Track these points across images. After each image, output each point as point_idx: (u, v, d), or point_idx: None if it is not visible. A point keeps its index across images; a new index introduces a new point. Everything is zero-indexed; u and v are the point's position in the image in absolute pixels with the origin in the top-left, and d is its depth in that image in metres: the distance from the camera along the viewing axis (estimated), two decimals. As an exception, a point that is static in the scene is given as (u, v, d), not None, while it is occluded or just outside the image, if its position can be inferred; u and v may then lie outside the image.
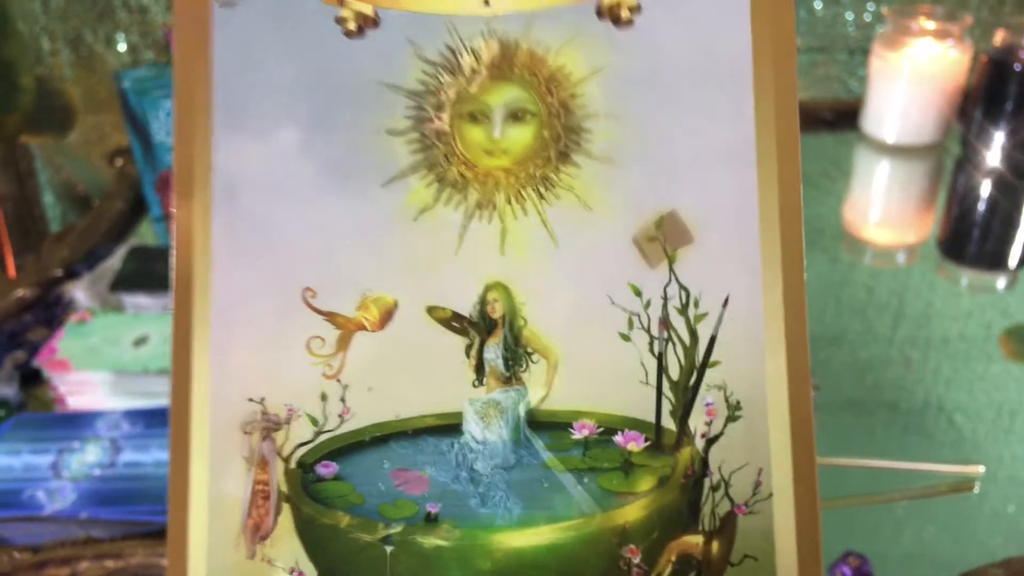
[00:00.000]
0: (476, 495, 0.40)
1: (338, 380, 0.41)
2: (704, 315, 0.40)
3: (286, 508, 0.41)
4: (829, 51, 1.04)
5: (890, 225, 0.92)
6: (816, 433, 0.64)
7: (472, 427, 0.41)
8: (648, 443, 0.40)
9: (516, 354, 0.41)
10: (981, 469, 0.59)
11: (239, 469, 0.41)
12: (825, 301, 0.79)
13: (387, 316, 0.41)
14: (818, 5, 1.01)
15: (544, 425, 0.41)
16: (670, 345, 0.40)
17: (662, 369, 0.40)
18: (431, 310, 0.41)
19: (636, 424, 0.40)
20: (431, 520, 0.40)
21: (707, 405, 0.40)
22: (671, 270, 0.39)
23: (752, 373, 0.39)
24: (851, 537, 0.55)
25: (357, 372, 0.41)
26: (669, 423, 0.40)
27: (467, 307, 0.41)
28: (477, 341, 0.41)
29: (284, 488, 0.41)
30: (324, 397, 0.40)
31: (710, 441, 0.40)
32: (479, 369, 0.41)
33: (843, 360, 0.70)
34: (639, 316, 0.40)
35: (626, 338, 0.40)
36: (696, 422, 0.40)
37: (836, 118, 0.99)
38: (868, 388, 0.68)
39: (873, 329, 0.76)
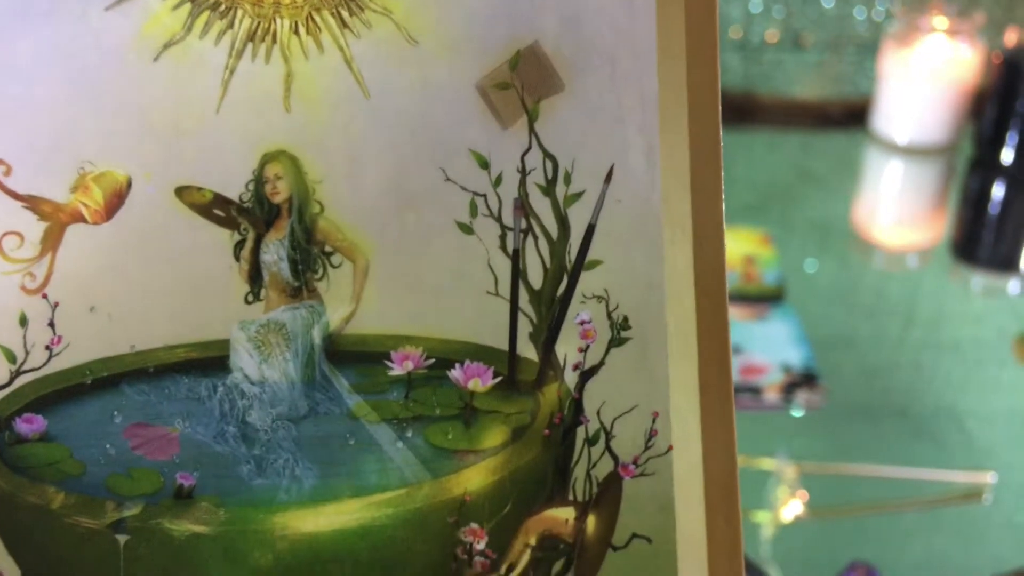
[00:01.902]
0: (249, 459, 0.31)
1: (44, 296, 0.31)
2: (579, 195, 0.30)
3: (-32, 483, 0.30)
4: (839, 49, 1.07)
5: (901, 227, 0.95)
6: (825, 438, 0.63)
7: (244, 361, 0.30)
8: (498, 379, 0.31)
9: (308, 254, 0.30)
10: (992, 478, 0.60)
11: None
12: (834, 304, 0.81)
13: (116, 200, 0.30)
14: (828, 4, 1.04)
15: (350, 356, 0.31)
16: (530, 239, 0.31)
17: (519, 273, 0.31)
18: (182, 192, 0.31)
19: (481, 352, 0.31)
20: (183, 496, 0.31)
21: (581, 324, 0.30)
22: (531, 130, 0.30)
23: (645, 278, 0.30)
24: (860, 546, 0.56)
25: (73, 284, 0.31)
26: (528, 350, 0.31)
27: (236, 187, 0.31)
28: (251, 236, 0.30)
29: (-34, 454, 0.30)
30: (24, 321, 0.31)
31: (586, 374, 0.31)
32: (254, 277, 0.31)
33: (853, 364, 0.72)
34: (485, 197, 0.31)
35: (467, 229, 0.30)
36: (566, 348, 0.31)
37: (846, 117, 1.03)
38: (878, 393, 0.69)
39: (883, 333, 0.76)
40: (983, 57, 0.93)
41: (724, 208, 0.30)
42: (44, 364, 0.31)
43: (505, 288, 0.31)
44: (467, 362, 0.31)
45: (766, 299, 0.80)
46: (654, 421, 0.30)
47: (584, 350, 0.31)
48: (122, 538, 0.31)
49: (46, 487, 0.31)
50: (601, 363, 0.31)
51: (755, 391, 0.69)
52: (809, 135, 1.06)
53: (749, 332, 0.76)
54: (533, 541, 0.30)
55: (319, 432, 0.31)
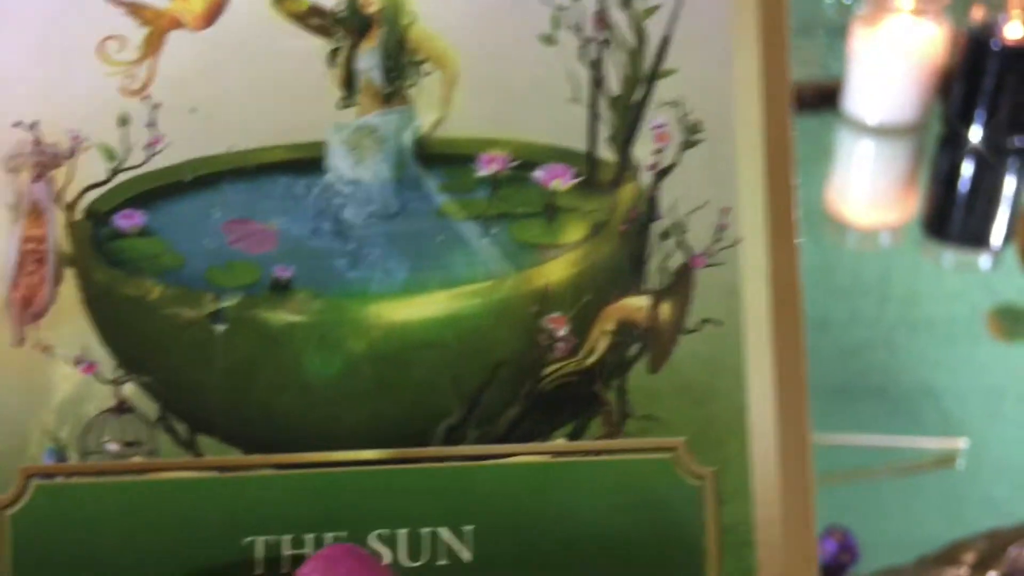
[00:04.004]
0: (344, 253, 0.33)
1: (145, 97, 0.34)
2: (655, 8, 0.34)
3: (69, 275, 0.33)
4: (809, 32, 1.11)
5: (873, 206, 0.99)
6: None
7: (339, 162, 0.33)
8: (579, 179, 0.34)
9: (400, 62, 0.33)
10: (963, 443, 0.63)
11: (0, 221, 0.32)
12: (809, 285, 0.82)
13: (215, 8, 0.34)
14: (797, -14, 1.07)
15: (439, 159, 0.34)
16: (608, 49, 0.34)
17: (598, 81, 0.34)
18: (280, 1, 0.33)
19: (563, 155, 0.34)
20: (280, 288, 0.33)
21: (657, 128, 0.34)
22: (608, -51, 0.34)
23: (716, 84, 0.34)
24: (835, 513, 0.58)
25: (173, 86, 0.34)
26: (607, 153, 0.34)
27: (331, -2, 0.34)
28: (346, 45, 0.34)
29: (67, 248, 0.33)
30: (124, 121, 0.33)
31: (661, 174, 0.34)
32: (348, 83, 0.34)
33: (829, 344, 0.74)
34: (567, 10, 0.34)
35: (550, 40, 0.34)
36: (643, 150, 0.34)
37: (818, 99, 1.06)
38: (855, 372, 0.72)
39: (859, 312, 0.79)
40: (950, 35, 0.96)
41: (788, 17, 0.34)
42: (144, 163, 0.34)
43: (585, 95, 0.35)
44: (550, 163, 0.35)
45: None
46: (723, 216, 0.34)
47: (659, 151, 0.35)
48: (220, 327, 0.33)
49: (144, 280, 0.34)
50: (675, 164, 0.34)
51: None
52: None
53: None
54: (611, 327, 0.34)
55: (409, 228, 0.34)
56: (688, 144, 0.34)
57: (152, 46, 0.34)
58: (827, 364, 0.72)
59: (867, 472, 0.63)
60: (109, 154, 0.34)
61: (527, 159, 0.34)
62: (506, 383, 0.34)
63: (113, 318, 0.33)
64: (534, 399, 0.34)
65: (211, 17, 0.34)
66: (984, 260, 0.90)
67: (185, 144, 0.34)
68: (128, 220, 0.34)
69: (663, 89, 0.34)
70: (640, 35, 0.34)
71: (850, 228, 0.94)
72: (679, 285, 0.34)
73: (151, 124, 0.34)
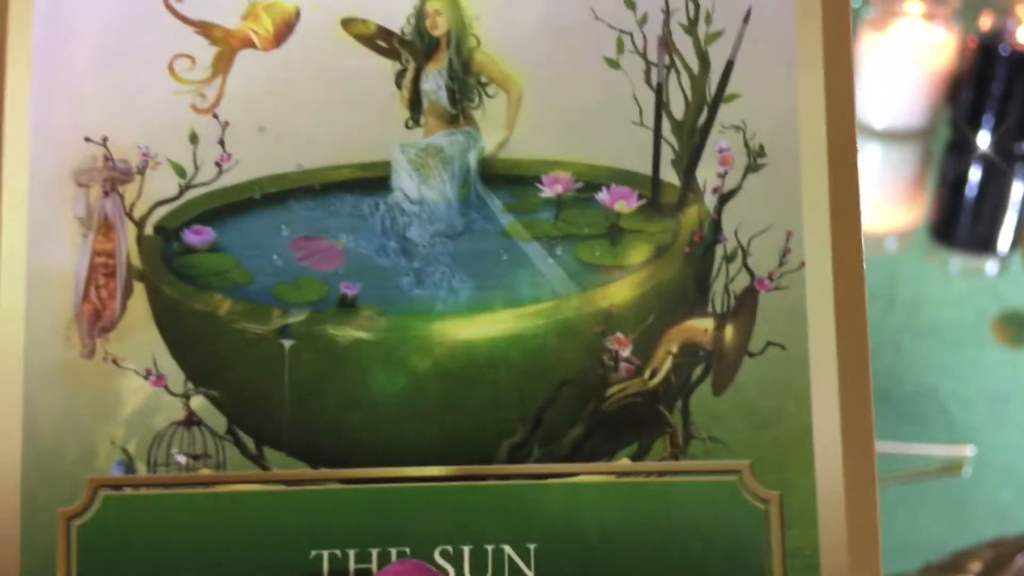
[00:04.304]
0: (410, 271, 0.34)
1: (215, 115, 0.34)
2: (719, 33, 0.35)
3: (139, 289, 0.34)
4: None
5: (880, 211, 0.98)
6: None
7: (405, 182, 0.34)
8: (643, 201, 0.35)
9: (465, 84, 0.34)
10: (971, 450, 0.63)
11: (71, 235, 0.34)
12: None
13: (285, 29, 0.34)
14: (805, -10, 1.08)
15: (503, 179, 0.35)
16: (673, 73, 0.34)
17: (662, 105, 0.34)
18: (348, 23, 0.34)
19: (627, 177, 0.35)
20: (347, 305, 0.34)
21: (720, 151, 0.34)
22: (674, -25, 0.34)
23: (780, 108, 0.34)
24: None
25: (242, 105, 0.34)
26: (671, 175, 0.35)
27: (399, 20, 0.35)
28: (412, 66, 0.34)
29: (137, 262, 0.34)
30: (194, 138, 0.34)
31: (724, 197, 0.34)
32: (415, 104, 0.35)
33: None
34: (632, 35, 0.35)
35: (614, 64, 0.34)
36: (706, 173, 0.35)
37: None
38: None
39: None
40: (959, 41, 0.97)
41: (852, 42, 0.35)
42: (214, 180, 0.35)
43: (649, 118, 0.35)
44: (614, 185, 0.35)
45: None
46: (788, 240, 0.35)
47: (723, 175, 0.35)
48: (287, 343, 0.34)
49: (213, 294, 0.34)
50: (739, 187, 0.35)
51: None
52: None
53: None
54: (675, 349, 0.34)
55: (474, 248, 0.35)
56: (752, 168, 0.35)
57: (222, 65, 0.35)
58: None
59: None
60: (179, 171, 0.34)
61: (591, 181, 0.35)
62: (570, 402, 0.34)
63: (182, 332, 0.34)
64: (598, 419, 0.34)
65: (280, 38, 0.35)
66: (991, 266, 0.90)
67: (254, 162, 0.34)
68: (198, 236, 0.34)
69: (727, 113, 0.35)
70: (704, 60, 0.35)
71: None
72: (743, 308, 0.35)
73: (220, 142, 0.34)
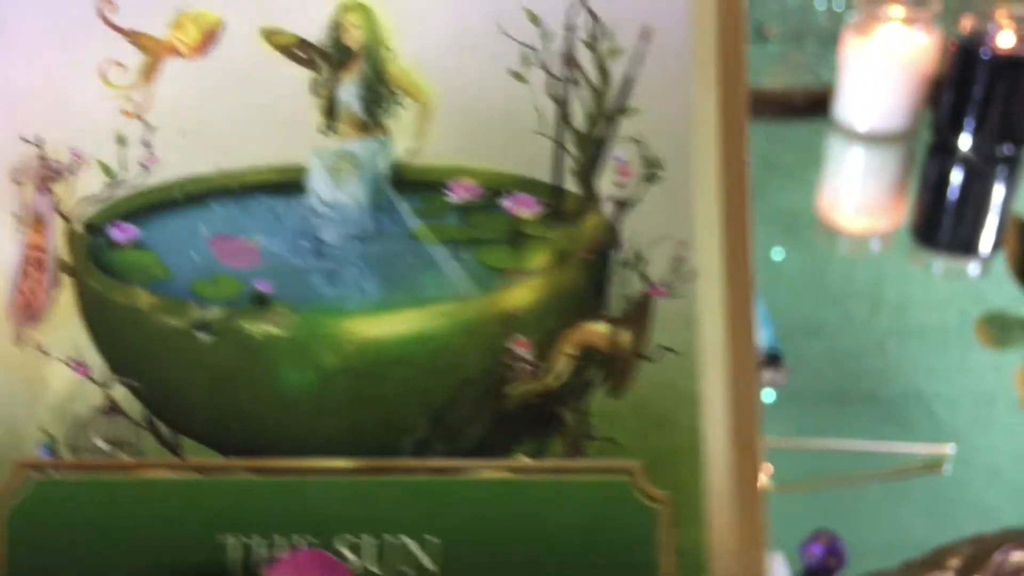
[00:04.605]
0: (321, 271, 0.36)
1: (141, 119, 0.36)
2: (618, 50, 0.36)
3: (67, 282, 0.36)
4: (801, 40, 1.13)
5: (863, 213, 1.00)
6: (794, 424, 0.66)
7: (319, 185, 0.36)
8: (544, 209, 0.36)
9: (379, 94, 0.36)
10: (951, 449, 0.63)
11: (5, 229, 0.35)
12: (802, 292, 0.84)
13: (209, 39, 0.36)
14: (789, -6, 1.12)
15: (413, 185, 0.37)
16: (575, 87, 0.36)
17: (564, 116, 0.36)
18: (269, 34, 0.36)
19: (530, 185, 0.37)
20: (261, 302, 0.36)
21: (619, 162, 0.36)
22: (580, -7, 0.36)
23: (676, 123, 0.36)
24: (823, 517, 0.59)
25: (167, 110, 0.36)
26: (571, 184, 0.37)
27: (317, 32, 0.37)
28: (329, 76, 0.36)
29: (65, 256, 0.36)
30: (122, 140, 0.36)
31: (622, 206, 0.36)
32: (330, 112, 0.37)
33: (821, 350, 0.76)
34: (536, 50, 0.36)
35: (520, 77, 0.36)
36: (605, 183, 0.36)
37: (809, 107, 1.08)
38: (847, 378, 0.73)
39: (850, 319, 0.80)
40: (940, 44, 0.98)
41: (746, 61, 0.37)
42: (139, 180, 0.37)
43: (551, 129, 0.37)
44: (517, 193, 0.37)
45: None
46: (681, 249, 0.36)
47: (621, 185, 0.37)
48: (204, 337, 0.36)
49: (136, 289, 0.36)
50: (635, 197, 0.37)
51: (723, 371, 0.73)
52: (774, 125, 1.10)
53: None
54: (573, 351, 0.36)
55: (384, 250, 0.37)
56: (648, 179, 0.37)
57: (150, 72, 0.37)
58: (818, 370, 0.73)
59: (855, 477, 0.63)
60: (107, 171, 0.36)
61: (496, 188, 0.37)
62: (471, 400, 0.36)
63: (106, 324, 0.36)
64: (498, 417, 0.36)
65: (205, 47, 0.37)
66: (973, 267, 0.91)
67: (177, 164, 0.36)
68: (122, 233, 0.37)
69: (626, 126, 0.37)
70: (604, 75, 0.37)
71: (840, 234, 0.95)
72: (639, 313, 0.36)
73: (146, 144, 0.36)
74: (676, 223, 0.36)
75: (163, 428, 0.36)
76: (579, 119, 0.37)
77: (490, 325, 0.36)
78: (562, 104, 0.37)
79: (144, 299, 0.36)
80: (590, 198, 0.37)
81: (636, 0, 0.37)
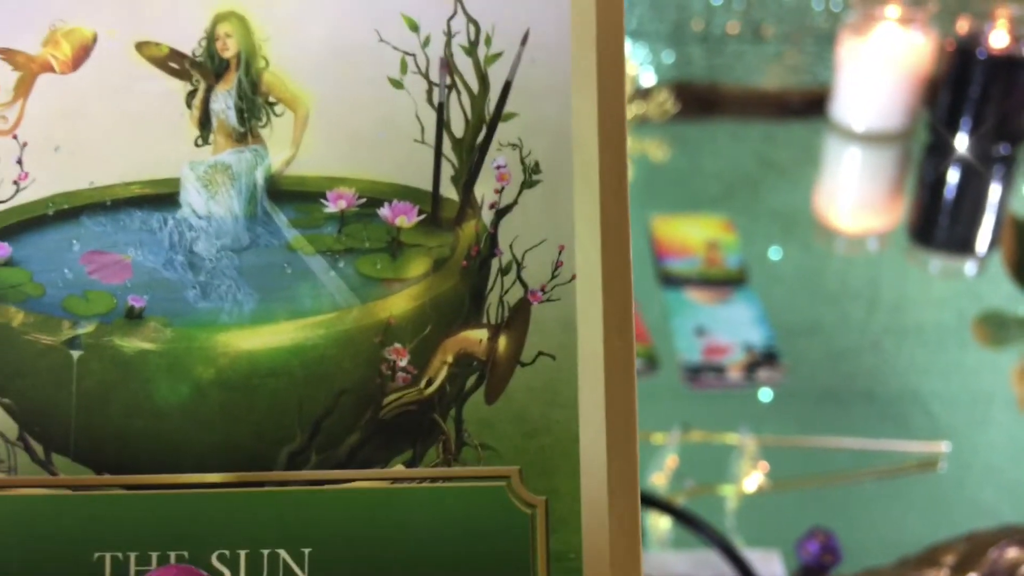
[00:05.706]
0: (195, 285, 0.36)
1: (14, 136, 0.37)
2: (498, 55, 0.37)
3: (-64, 301, 0.36)
4: (798, 40, 1.17)
5: (860, 213, 1.03)
6: (791, 422, 0.69)
7: (193, 198, 0.36)
8: (422, 216, 0.37)
9: (254, 104, 0.36)
10: (946, 447, 0.65)
11: None
12: (799, 291, 0.87)
13: (83, 53, 0.37)
14: (787, -6, 1.14)
15: (289, 195, 0.37)
16: (454, 93, 0.37)
17: (443, 124, 0.37)
18: (141, 46, 0.37)
19: (408, 193, 0.37)
20: (134, 317, 0.36)
21: (498, 168, 0.36)
22: (456, -1, 0.37)
23: (555, 127, 0.36)
24: (819, 514, 0.61)
25: (40, 126, 0.37)
26: (450, 191, 0.37)
27: (191, 43, 0.38)
28: (203, 87, 0.37)
29: (-66, 276, 0.36)
30: None
31: (500, 212, 0.37)
32: (204, 123, 0.37)
33: (818, 349, 0.78)
34: (415, 57, 0.37)
35: (397, 84, 0.36)
36: (484, 190, 0.37)
37: (806, 106, 1.11)
38: (843, 377, 0.75)
39: (847, 318, 0.82)
40: (936, 45, 1.01)
41: (625, 65, 0.37)
42: (11, 197, 0.37)
43: (430, 136, 0.37)
44: (395, 201, 0.37)
45: (729, 283, 0.86)
46: (560, 253, 0.37)
47: (500, 191, 0.37)
48: (76, 353, 0.36)
49: (8, 307, 0.37)
50: (514, 203, 0.37)
51: (719, 370, 0.74)
52: (771, 125, 1.12)
53: (713, 314, 0.81)
54: (450, 359, 0.37)
55: (259, 262, 0.37)
56: (527, 184, 0.37)
57: (23, 89, 0.37)
58: (815, 368, 0.76)
59: (851, 475, 0.65)
60: (-22, 189, 0.37)
61: (374, 196, 0.37)
62: (348, 411, 0.36)
63: (-22, 343, 0.36)
64: (374, 427, 0.36)
65: (78, 62, 0.37)
66: (970, 267, 0.93)
67: (49, 180, 0.37)
68: (-6, 251, 0.37)
69: (504, 131, 0.37)
70: (483, 80, 0.37)
71: (837, 234, 0.98)
72: (516, 319, 0.37)
73: (19, 161, 0.37)
74: (555, 227, 0.37)
75: (36, 446, 0.36)
76: (458, 125, 0.37)
77: (368, 335, 0.36)
78: (441, 111, 0.37)
79: (16, 317, 0.36)
80: (469, 205, 0.37)
81: (516, 5, 0.37)
